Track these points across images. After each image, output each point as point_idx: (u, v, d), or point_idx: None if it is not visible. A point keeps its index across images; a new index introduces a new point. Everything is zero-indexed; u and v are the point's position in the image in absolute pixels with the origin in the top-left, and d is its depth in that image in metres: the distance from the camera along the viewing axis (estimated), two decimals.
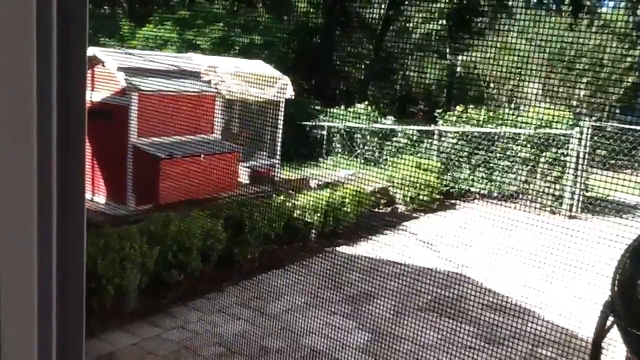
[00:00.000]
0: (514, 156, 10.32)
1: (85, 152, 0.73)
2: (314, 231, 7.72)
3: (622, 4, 13.90)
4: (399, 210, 9.95)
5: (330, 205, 7.84)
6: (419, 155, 10.85)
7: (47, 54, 0.65)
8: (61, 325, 0.69)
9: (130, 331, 5.14)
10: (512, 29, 10.73)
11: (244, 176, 8.70)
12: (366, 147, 11.81)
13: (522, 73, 11.51)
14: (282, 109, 9.36)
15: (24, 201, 0.64)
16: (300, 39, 17.37)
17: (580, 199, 9.83)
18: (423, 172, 9.77)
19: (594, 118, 10.47)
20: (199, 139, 8.00)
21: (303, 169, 10.48)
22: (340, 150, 11.99)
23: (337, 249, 7.72)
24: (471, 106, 11.57)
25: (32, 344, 0.65)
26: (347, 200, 8.10)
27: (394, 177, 9.92)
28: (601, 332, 2.52)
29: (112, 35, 12.48)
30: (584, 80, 11.26)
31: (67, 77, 0.68)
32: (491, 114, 11.30)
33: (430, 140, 11.24)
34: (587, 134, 9.59)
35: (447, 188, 10.70)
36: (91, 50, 7.64)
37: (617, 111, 12.86)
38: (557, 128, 9.95)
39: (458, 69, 17.97)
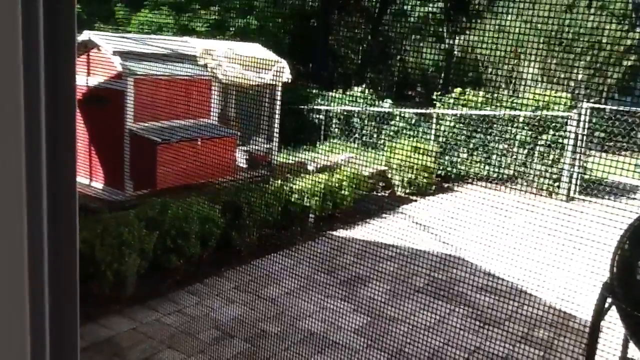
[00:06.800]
0: (511, 139, 10.30)
1: (76, 137, 0.71)
2: (311, 215, 7.72)
3: None
4: (397, 194, 9.95)
5: (328, 189, 7.84)
6: (417, 138, 10.82)
7: (33, 33, 0.63)
8: (55, 309, 0.68)
9: (129, 316, 5.16)
10: (510, 10, 10.65)
11: (241, 160, 8.67)
12: (364, 131, 11.78)
13: (521, 55, 11.44)
14: (279, 93, 9.31)
15: (13, 188, 0.62)
16: (298, 22, 17.24)
17: (578, 181, 9.84)
18: (420, 155, 9.76)
19: (592, 100, 10.44)
20: (196, 124, 7.97)
21: (300, 152, 10.45)
22: (337, 134, 11.95)
23: (335, 232, 7.72)
24: (469, 89, 11.53)
25: (25, 328, 0.64)
26: (344, 183, 8.09)
27: (392, 160, 9.90)
28: (599, 314, 2.53)
29: (107, 20, 12.37)
30: (583, 62, 11.21)
31: (56, 59, 0.66)
32: (489, 96, 11.26)
33: (428, 124, 11.21)
34: (585, 116, 9.56)
35: (445, 171, 10.70)
36: (86, 34, 7.57)
37: (616, 93, 12.83)
38: (555, 110, 9.93)
39: (456, 52, 17.88)
